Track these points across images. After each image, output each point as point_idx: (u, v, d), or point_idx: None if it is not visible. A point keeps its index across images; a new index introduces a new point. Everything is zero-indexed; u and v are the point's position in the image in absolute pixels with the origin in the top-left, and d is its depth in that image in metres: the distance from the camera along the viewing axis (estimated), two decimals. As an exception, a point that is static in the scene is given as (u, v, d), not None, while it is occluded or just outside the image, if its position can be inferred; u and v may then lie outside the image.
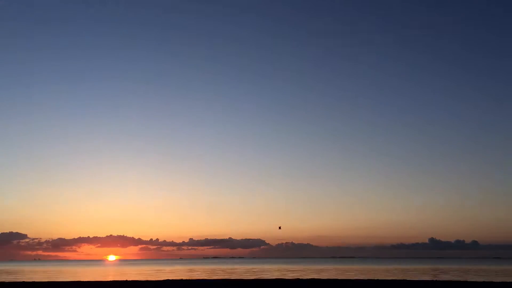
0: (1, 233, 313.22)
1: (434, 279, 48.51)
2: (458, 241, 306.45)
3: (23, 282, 42.96)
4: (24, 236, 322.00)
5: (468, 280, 44.74)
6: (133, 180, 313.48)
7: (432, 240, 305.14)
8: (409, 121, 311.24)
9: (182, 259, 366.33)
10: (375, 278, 48.24)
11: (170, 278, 49.65)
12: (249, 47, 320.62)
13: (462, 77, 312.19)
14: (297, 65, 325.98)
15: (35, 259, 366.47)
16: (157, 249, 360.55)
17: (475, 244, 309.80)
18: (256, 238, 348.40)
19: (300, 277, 50.03)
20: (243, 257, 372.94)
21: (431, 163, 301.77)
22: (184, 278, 50.65)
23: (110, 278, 54.94)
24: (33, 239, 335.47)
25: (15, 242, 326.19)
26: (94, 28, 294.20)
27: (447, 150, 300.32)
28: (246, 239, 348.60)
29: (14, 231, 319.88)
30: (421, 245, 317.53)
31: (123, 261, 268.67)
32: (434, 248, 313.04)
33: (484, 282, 40.50)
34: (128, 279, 48.50)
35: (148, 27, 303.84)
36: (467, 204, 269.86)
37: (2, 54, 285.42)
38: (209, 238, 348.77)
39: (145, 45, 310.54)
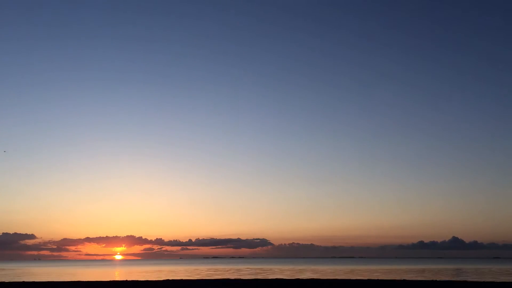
0: (13, 233, 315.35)
1: (434, 279, 48.51)
2: (475, 242, 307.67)
3: (23, 282, 42.94)
4: (32, 236, 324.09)
5: (468, 280, 44.74)
6: (140, 180, 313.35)
7: (453, 240, 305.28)
8: (430, 119, 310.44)
9: (182, 259, 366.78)
10: (375, 278, 48.25)
11: (170, 278, 49.66)
12: (258, 46, 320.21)
13: (478, 78, 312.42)
14: (302, 67, 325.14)
15: (35, 259, 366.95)
16: (162, 249, 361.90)
17: (493, 245, 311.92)
18: (261, 238, 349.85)
19: (300, 277, 50.05)
20: (243, 257, 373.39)
21: (450, 163, 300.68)
22: (184, 278, 50.65)
23: (110, 278, 54.95)
24: (41, 239, 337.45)
25: (22, 242, 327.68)
26: (96, 29, 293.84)
27: (467, 150, 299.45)
28: (251, 239, 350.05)
29: (22, 232, 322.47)
30: (441, 245, 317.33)
31: (127, 261, 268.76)
32: (455, 248, 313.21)
33: (484, 282, 40.50)
34: (128, 279, 48.54)
35: (150, 26, 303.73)
36: (489, 205, 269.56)
37: (3, 56, 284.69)
38: (214, 238, 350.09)
39: (148, 44, 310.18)
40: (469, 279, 49.89)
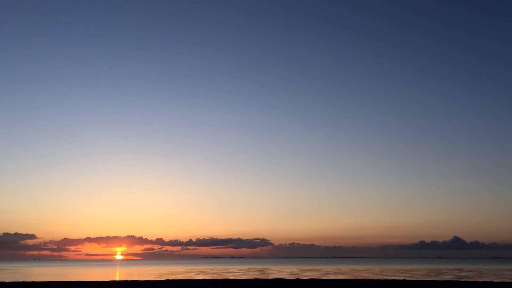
0: (13, 233, 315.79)
1: (434, 279, 48.52)
2: (476, 242, 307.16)
3: (23, 282, 42.95)
4: (33, 236, 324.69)
5: (468, 280, 44.75)
6: (140, 180, 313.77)
7: (455, 240, 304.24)
8: (433, 119, 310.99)
9: (182, 259, 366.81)
10: (375, 278, 48.27)
11: (170, 278, 49.68)
12: (259, 44, 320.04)
13: (472, 73, 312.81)
14: (304, 66, 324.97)
15: (35, 259, 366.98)
16: (163, 249, 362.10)
17: (494, 245, 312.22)
18: (261, 238, 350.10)
19: (300, 277, 50.07)
20: (243, 257, 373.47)
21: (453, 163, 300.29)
22: (184, 278, 50.67)
23: (110, 278, 54.97)
24: (41, 239, 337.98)
25: (22, 242, 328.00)
26: (95, 27, 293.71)
27: (469, 150, 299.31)
28: (251, 239, 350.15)
29: (23, 232, 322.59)
30: (442, 245, 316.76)
31: (127, 261, 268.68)
32: (456, 248, 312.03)
33: (484, 282, 40.52)
34: (128, 279, 48.55)
35: (150, 24, 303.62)
36: (491, 205, 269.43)
37: (2, 54, 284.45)
38: (215, 238, 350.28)
39: (148, 44, 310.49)
40: (469, 279, 49.92)
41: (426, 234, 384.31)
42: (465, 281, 42.07)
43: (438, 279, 47.08)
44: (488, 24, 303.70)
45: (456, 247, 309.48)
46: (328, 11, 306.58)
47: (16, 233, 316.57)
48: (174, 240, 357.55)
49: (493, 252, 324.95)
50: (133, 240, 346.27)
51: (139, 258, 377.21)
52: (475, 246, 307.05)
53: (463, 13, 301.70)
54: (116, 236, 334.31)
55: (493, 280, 45.19)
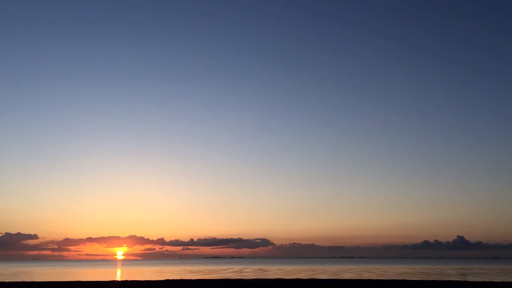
0: (15, 233, 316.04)
1: (434, 279, 48.53)
2: (480, 242, 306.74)
3: (23, 282, 42.96)
4: (34, 236, 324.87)
5: (468, 280, 44.77)
6: (142, 180, 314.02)
7: (458, 240, 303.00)
8: (436, 118, 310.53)
9: (182, 259, 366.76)
10: (375, 278, 48.28)
11: (170, 278, 49.70)
12: (262, 43, 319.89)
13: (474, 76, 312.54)
14: (307, 65, 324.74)
15: (35, 259, 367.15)
16: (164, 249, 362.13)
17: (497, 245, 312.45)
18: (262, 238, 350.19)
19: (300, 277, 50.08)
20: (243, 257, 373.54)
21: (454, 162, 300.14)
22: (184, 278, 50.68)
23: (110, 278, 55.00)
24: (43, 239, 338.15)
25: (24, 242, 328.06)
26: (96, 28, 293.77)
27: (473, 149, 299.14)
28: (252, 239, 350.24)
29: (25, 232, 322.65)
30: (445, 245, 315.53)
31: (128, 261, 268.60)
32: (460, 248, 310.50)
33: (484, 282, 40.53)
34: (128, 279, 48.57)
35: (150, 23, 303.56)
36: (495, 205, 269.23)
37: (2, 52, 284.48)
38: (216, 238, 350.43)
39: (149, 43, 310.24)
40: (469, 279, 49.93)
41: (430, 234, 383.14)
42: (465, 281, 42.09)
43: (438, 279, 47.10)
44: (493, 23, 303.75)
45: (459, 247, 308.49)
46: (331, 8, 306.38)
47: (18, 233, 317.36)
48: (175, 240, 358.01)
49: (497, 252, 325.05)
50: (134, 240, 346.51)
51: (140, 258, 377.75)
52: (479, 246, 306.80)
53: (468, 9, 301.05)
54: (117, 236, 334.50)
55: (493, 280, 45.16)
